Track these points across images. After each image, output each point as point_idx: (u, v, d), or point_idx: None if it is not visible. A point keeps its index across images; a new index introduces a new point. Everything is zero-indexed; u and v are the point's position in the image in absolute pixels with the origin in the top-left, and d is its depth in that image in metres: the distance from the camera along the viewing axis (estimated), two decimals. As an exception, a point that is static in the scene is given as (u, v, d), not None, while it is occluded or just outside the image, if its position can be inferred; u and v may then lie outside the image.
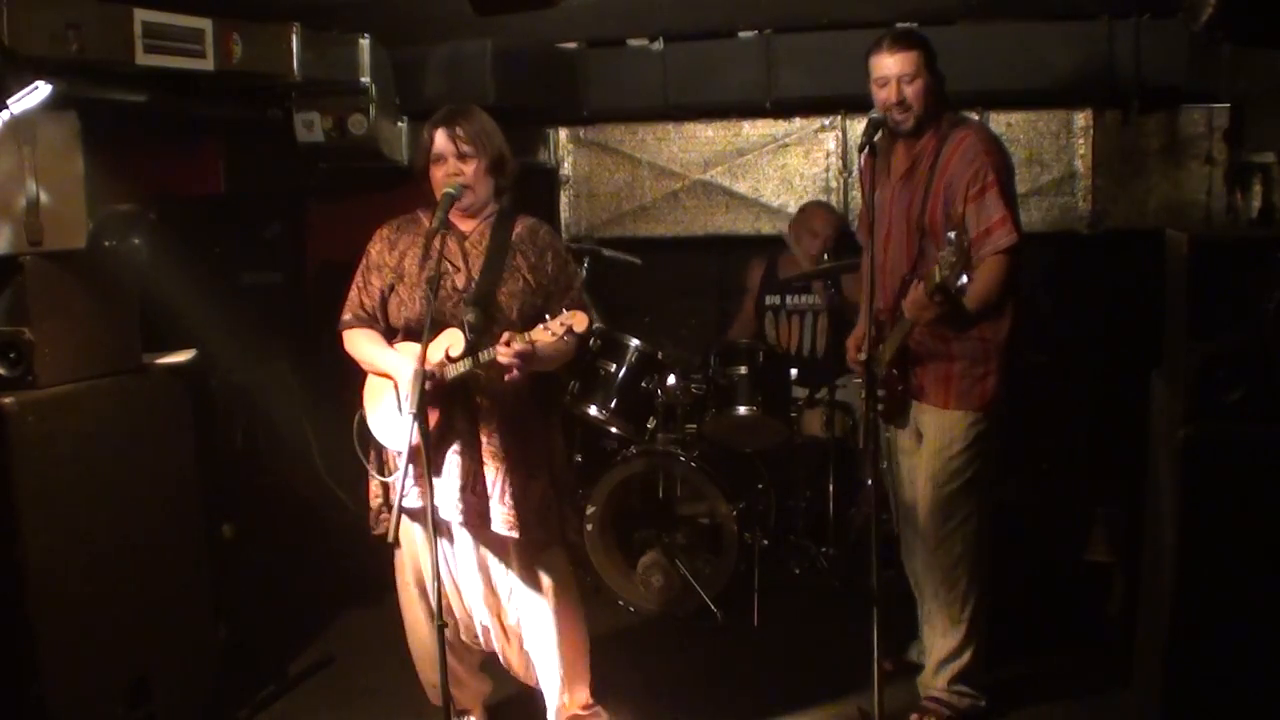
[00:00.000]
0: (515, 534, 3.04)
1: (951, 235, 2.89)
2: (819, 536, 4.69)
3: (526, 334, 2.86)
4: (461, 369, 2.93)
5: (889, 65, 3.22)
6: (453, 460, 3.03)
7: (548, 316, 2.88)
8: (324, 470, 4.54)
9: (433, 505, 2.83)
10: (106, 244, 3.45)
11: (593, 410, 4.42)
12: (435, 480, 3.01)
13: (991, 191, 3.18)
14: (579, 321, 2.83)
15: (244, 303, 4.46)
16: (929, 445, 3.35)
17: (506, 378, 2.91)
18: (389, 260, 3.12)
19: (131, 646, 3.24)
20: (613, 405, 4.43)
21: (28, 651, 2.94)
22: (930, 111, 3.27)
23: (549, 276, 3.09)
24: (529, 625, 3.21)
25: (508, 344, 2.83)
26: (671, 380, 4.47)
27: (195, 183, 4.71)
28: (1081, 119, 4.92)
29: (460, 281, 3.04)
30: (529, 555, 3.15)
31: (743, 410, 4.38)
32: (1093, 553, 4.25)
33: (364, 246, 3.19)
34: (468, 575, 3.19)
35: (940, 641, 3.42)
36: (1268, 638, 2.64)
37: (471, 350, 2.93)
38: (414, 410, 2.74)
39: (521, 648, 3.27)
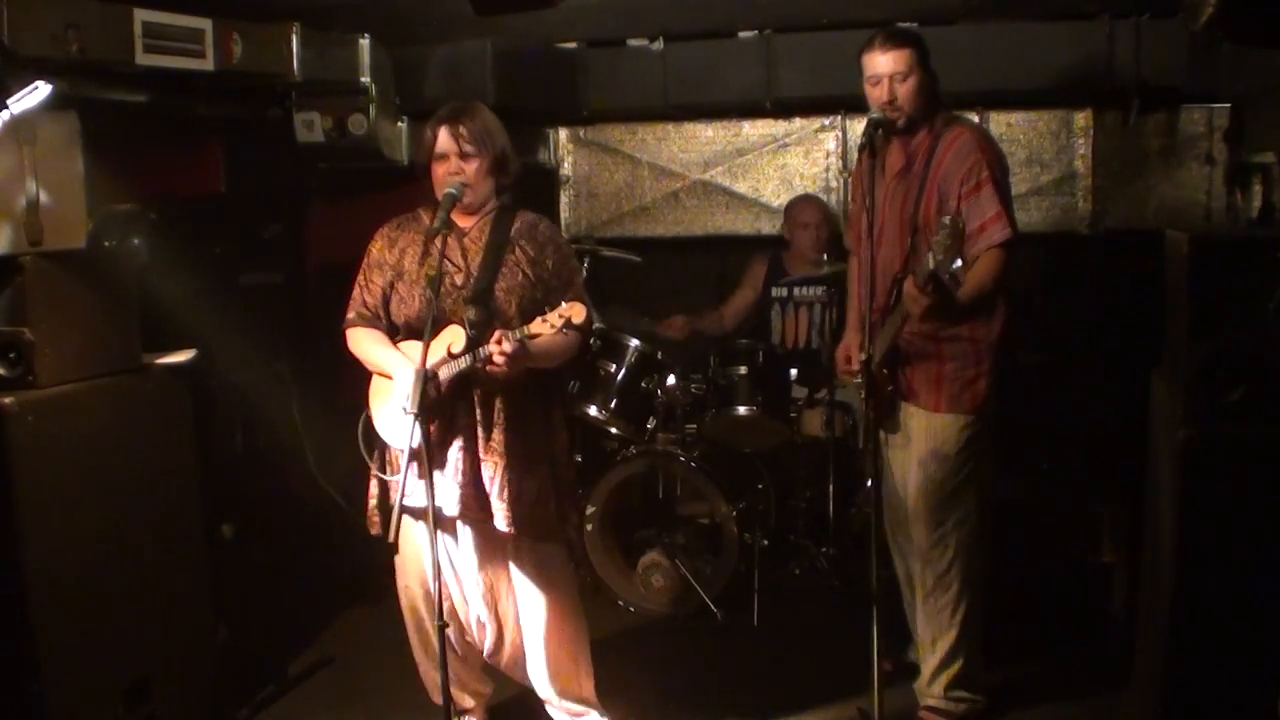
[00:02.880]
0: (513, 530, 3.04)
1: (946, 220, 2.88)
2: (819, 536, 4.69)
3: (524, 328, 2.85)
4: (462, 366, 2.94)
5: (881, 64, 3.22)
6: (455, 456, 3.03)
7: (546, 309, 2.86)
8: (318, 472, 4.53)
9: (434, 505, 2.84)
10: (106, 244, 3.46)
11: (593, 410, 4.42)
12: (437, 476, 3.02)
13: (986, 188, 3.18)
14: (576, 313, 2.81)
15: (244, 303, 4.46)
16: (920, 449, 3.34)
17: (491, 369, 2.88)
18: (389, 258, 3.12)
19: (131, 646, 3.23)
20: (613, 405, 4.43)
21: (28, 651, 2.93)
22: (923, 110, 3.26)
23: (549, 271, 3.09)
24: (527, 622, 3.21)
25: (499, 343, 2.83)
26: (671, 380, 4.48)
27: (195, 183, 4.70)
28: (1081, 119, 4.92)
29: (460, 279, 3.04)
30: (527, 552, 3.15)
31: (743, 410, 4.38)
32: (1093, 553, 4.25)
33: (364, 246, 3.19)
34: (468, 573, 3.20)
35: (933, 647, 3.41)
36: (1268, 638, 2.63)
37: (472, 347, 2.93)
38: (415, 410, 2.74)
39: (516, 645, 3.27)
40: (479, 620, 3.27)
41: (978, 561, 3.38)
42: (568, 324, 2.81)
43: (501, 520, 3.03)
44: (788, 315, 5.03)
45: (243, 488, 4.28)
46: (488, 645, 3.32)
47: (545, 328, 2.82)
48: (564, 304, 2.84)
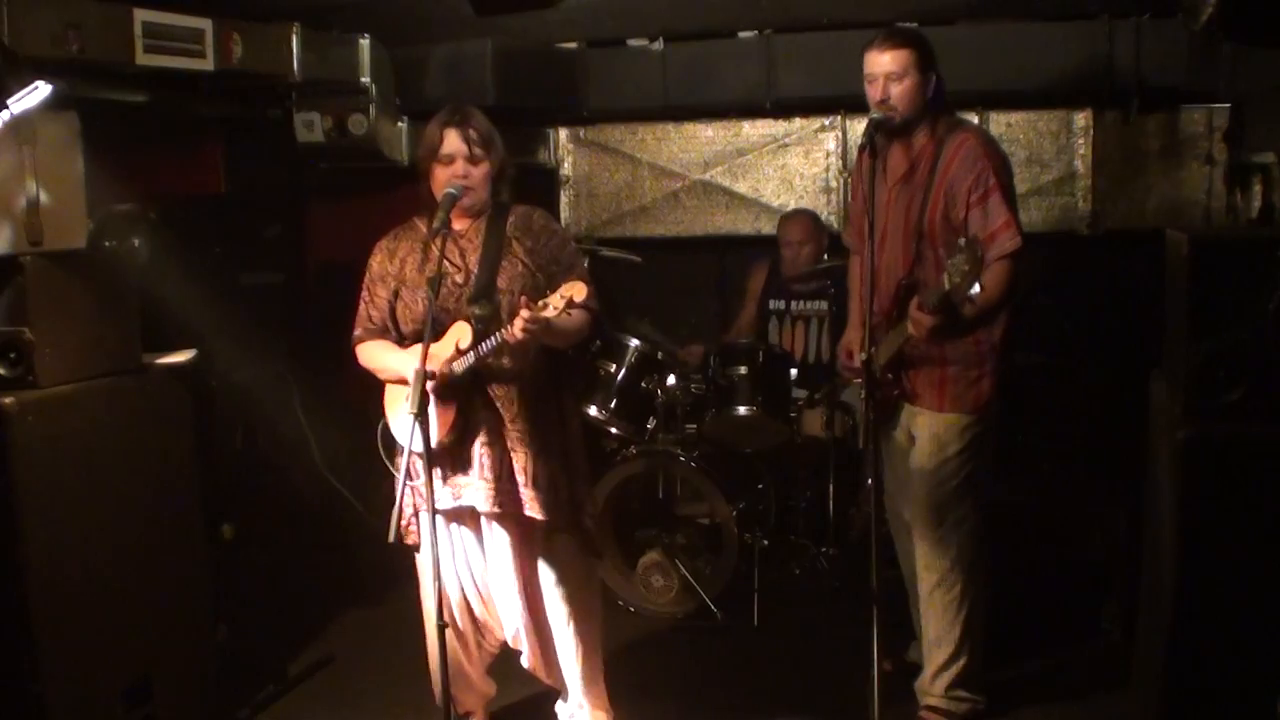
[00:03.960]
0: (542, 517, 3.04)
1: (963, 241, 2.88)
2: (819, 536, 4.69)
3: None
4: (471, 360, 2.94)
5: (877, 63, 3.22)
6: (481, 452, 3.03)
7: (548, 293, 2.85)
8: (328, 470, 4.53)
9: (433, 506, 2.83)
10: (106, 244, 3.45)
11: (593, 410, 4.42)
12: (463, 475, 3.04)
13: (995, 196, 3.17)
14: (578, 291, 2.79)
15: (244, 303, 4.46)
16: (923, 449, 3.34)
17: (510, 339, 2.87)
18: (390, 269, 3.13)
19: (131, 646, 3.23)
20: (613, 405, 4.43)
21: (28, 651, 2.93)
22: (919, 111, 3.25)
23: (548, 257, 3.09)
24: (554, 617, 3.21)
25: (527, 308, 2.80)
26: (671, 380, 4.47)
27: (195, 183, 4.70)
28: (1081, 119, 4.92)
29: (460, 279, 3.04)
30: (544, 542, 3.15)
31: (743, 410, 4.38)
32: (1092, 553, 4.25)
33: (364, 246, 3.20)
34: (498, 573, 3.18)
35: (937, 646, 3.41)
36: (1268, 638, 2.64)
37: (479, 340, 2.93)
38: (414, 410, 2.74)
39: (548, 644, 3.27)
40: (515, 627, 3.25)
41: (979, 560, 3.38)
42: (570, 303, 2.81)
43: (533, 508, 3.03)
44: (785, 328, 5.02)
45: (243, 488, 4.28)
46: (526, 648, 3.29)
47: (549, 312, 2.81)
48: (564, 285, 2.82)
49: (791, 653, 4.08)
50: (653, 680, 3.84)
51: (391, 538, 2.86)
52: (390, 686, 3.76)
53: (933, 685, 3.44)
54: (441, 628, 2.83)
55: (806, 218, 4.99)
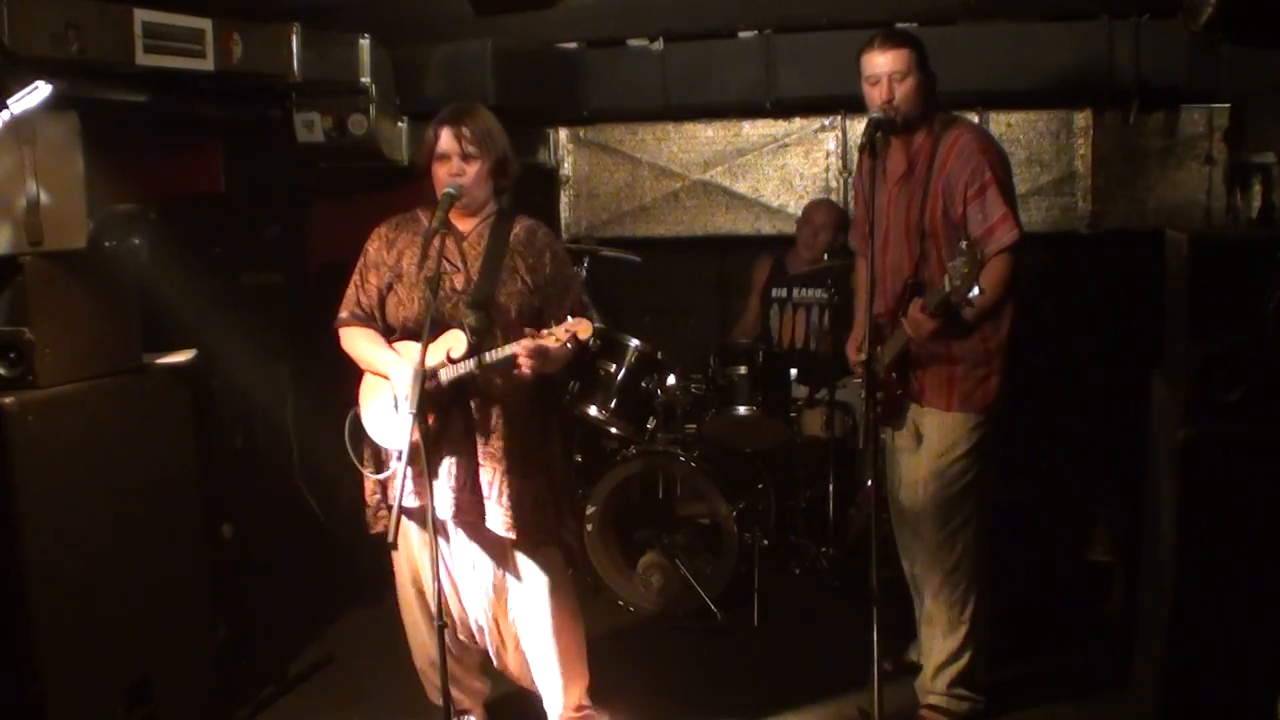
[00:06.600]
0: (512, 535, 3.04)
1: (963, 245, 2.89)
2: (819, 536, 4.69)
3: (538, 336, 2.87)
4: (462, 370, 2.94)
5: (880, 64, 3.23)
6: (449, 461, 3.03)
7: (551, 323, 2.88)
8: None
9: (433, 505, 2.83)
10: (106, 244, 3.45)
11: (593, 410, 4.42)
12: (433, 479, 3.02)
13: (991, 190, 3.18)
14: (583, 329, 2.85)
15: (244, 303, 4.45)
16: (930, 448, 3.35)
17: (516, 373, 2.90)
18: (387, 259, 3.12)
19: (131, 646, 3.24)
20: (613, 405, 4.43)
21: (28, 651, 2.94)
22: (920, 110, 3.26)
23: (546, 278, 3.09)
24: (525, 625, 3.21)
25: (532, 338, 2.83)
26: (671, 380, 4.47)
27: (195, 183, 4.70)
28: (1081, 119, 4.92)
29: (459, 282, 3.04)
30: (524, 555, 3.15)
31: (743, 410, 4.38)
32: (1093, 553, 4.24)
33: (364, 247, 3.19)
34: (464, 575, 3.20)
35: (940, 644, 3.42)
36: (1267, 638, 2.64)
37: (473, 352, 2.93)
38: (414, 410, 2.74)
39: (517, 648, 3.27)
40: (478, 624, 3.27)
41: (983, 559, 3.38)
42: (573, 339, 2.83)
43: (500, 524, 3.03)
44: (785, 315, 5.03)
45: (243, 488, 4.27)
46: (491, 649, 3.31)
47: (551, 341, 2.83)
48: (570, 319, 2.86)
49: (791, 653, 4.08)
50: (652, 680, 3.84)
51: (391, 538, 2.86)
52: (390, 686, 3.76)
53: (934, 683, 3.44)
54: (441, 627, 2.84)
55: (835, 206, 5.05)
